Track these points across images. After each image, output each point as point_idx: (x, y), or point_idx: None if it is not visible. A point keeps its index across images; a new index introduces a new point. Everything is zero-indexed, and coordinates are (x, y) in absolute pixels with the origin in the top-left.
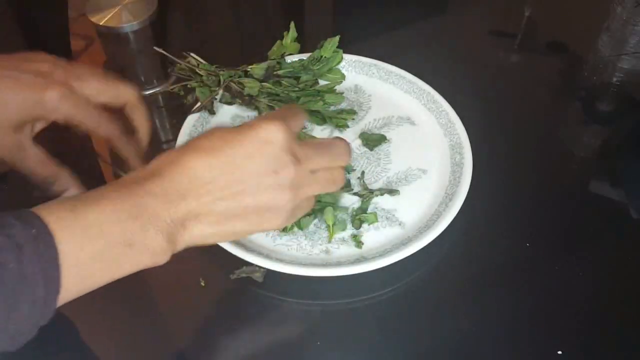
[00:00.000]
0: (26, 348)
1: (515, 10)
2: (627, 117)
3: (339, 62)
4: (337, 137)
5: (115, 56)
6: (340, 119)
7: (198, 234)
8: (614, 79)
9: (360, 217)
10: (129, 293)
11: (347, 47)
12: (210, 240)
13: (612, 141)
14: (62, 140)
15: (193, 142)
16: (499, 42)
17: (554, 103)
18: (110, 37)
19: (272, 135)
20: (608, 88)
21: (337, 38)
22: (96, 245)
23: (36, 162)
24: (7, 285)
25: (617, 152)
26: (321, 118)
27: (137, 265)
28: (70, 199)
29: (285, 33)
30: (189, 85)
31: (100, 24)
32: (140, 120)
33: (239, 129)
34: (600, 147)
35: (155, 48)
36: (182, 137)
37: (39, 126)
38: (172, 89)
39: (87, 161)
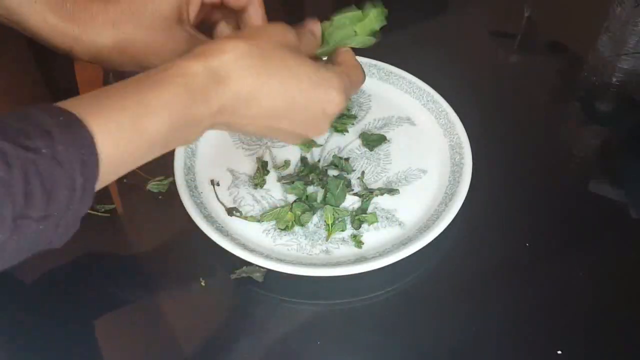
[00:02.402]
0: (22, 346)
1: (515, 10)
2: (627, 117)
3: None
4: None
5: None
6: (340, 123)
7: (230, 125)
8: (614, 79)
9: (359, 218)
10: (128, 293)
11: None
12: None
13: (612, 141)
14: None
15: (258, 49)
16: (499, 42)
17: (554, 103)
18: None
19: (332, 108)
20: (608, 88)
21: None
22: (138, 126)
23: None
24: (42, 171)
25: (617, 152)
26: None
27: (184, 141)
28: (111, 87)
29: None
30: None
31: None
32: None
33: (312, 72)
34: (600, 147)
35: None
36: None
37: (193, 11)
38: None
39: None
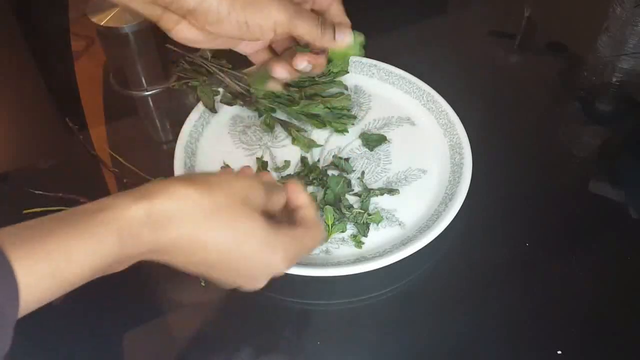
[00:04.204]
0: (22, 346)
1: (515, 10)
2: (627, 117)
3: (343, 74)
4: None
5: (115, 56)
6: (340, 123)
7: (166, 262)
8: (614, 79)
9: (364, 221)
10: (128, 293)
11: None
12: None
13: (612, 141)
14: (65, 149)
15: (209, 199)
16: (499, 42)
17: (554, 103)
18: (110, 37)
19: (272, 271)
20: (608, 88)
21: (349, 57)
22: (59, 277)
23: (313, 19)
24: None
25: (617, 152)
26: (321, 122)
27: (112, 271)
28: (40, 223)
29: None
30: (190, 84)
31: (101, 24)
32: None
33: (261, 232)
34: (600, 147)
35: (168, 46)
36: (183, 137)
37: None
38: (172, 86)
39: (91, 169)
